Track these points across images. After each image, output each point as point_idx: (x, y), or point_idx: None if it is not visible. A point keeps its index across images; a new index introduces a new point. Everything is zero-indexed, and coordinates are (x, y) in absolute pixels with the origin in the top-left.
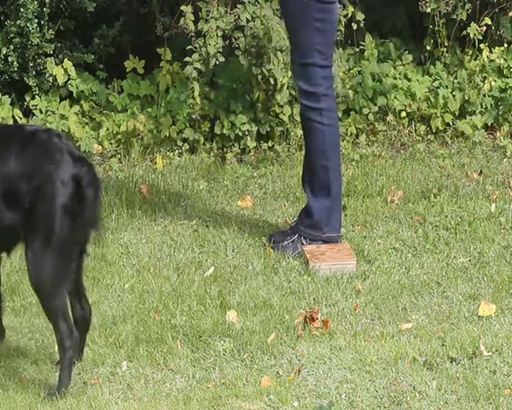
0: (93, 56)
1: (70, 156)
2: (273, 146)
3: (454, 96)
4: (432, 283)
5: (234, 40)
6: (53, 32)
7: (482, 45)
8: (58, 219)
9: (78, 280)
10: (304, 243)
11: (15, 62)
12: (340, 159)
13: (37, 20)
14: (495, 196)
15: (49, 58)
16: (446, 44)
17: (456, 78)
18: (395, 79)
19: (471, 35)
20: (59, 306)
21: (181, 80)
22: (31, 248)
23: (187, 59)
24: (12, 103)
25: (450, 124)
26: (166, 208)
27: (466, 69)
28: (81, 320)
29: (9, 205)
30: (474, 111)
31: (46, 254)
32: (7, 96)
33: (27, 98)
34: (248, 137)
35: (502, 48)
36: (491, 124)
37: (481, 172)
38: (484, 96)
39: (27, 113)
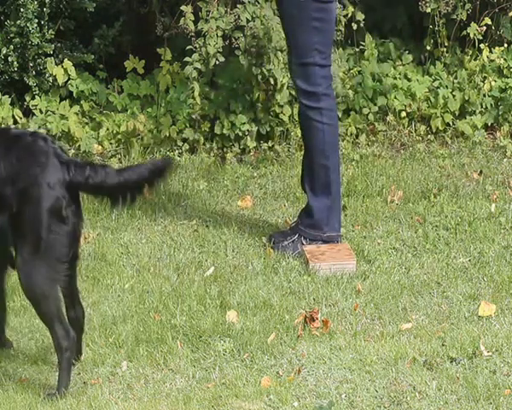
0: (93, 56)
1: (57, 159)
2: (273, 146)
3: (454, 96)
4: (432, 283)
5: (234, 40)
6: (53, 32)
7: (482, 45)
8: (45, 224)
9: (71, 283)
10: (304, 242)
11: (15, 62)
12: (340, 158)
13: (37, 20)
14: (495, 196)
15: (49, 58)
16: (446, 44)
17: (456, 78)
18: (395, 79)
19: (471, 35)
20: (53, 309)
21: (181, 80)
22: (20, 253)
23: (187, 59)
24: (12, 103)
25: (450, 124)
26: (166, 208)
27: (466, 69)
28: (74, 323)
29: None
30: (474, 111)
31: (35, 260)
32: (7, 96)
33: (27, 98)
34: (248, 137)
35: (502, 48)
36: (491, 124)
37: (481, 172)
38: (484, 96)
39: (27, 113)
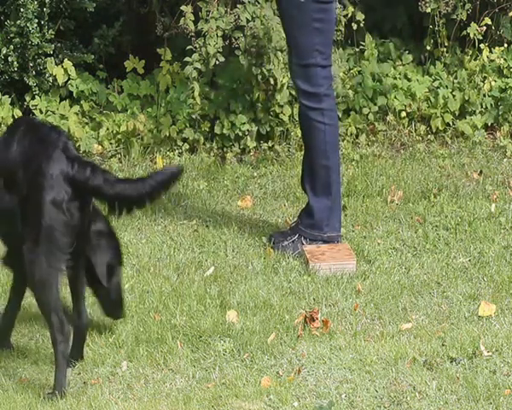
0: (93, 56)
1: (64, 153)
2: (273, 146)
3: (454, 96)
4: (432, 283)
5: (234, 40)
6: (53, 32)
7: (482, 45)
8: (46, 214)
9: (77, 288)
10: (304, 242)
11: (15, 62)
12: (340, 158)
13: (37, 20)
14: (495, 196)
15: (49, 58)
16: (446, 44)
17: (456, 78)
18: (395, 79)
19: (471, 35)
20: (50, 299)
21: (181, 80)
22: (25, 240)
23: (187, 59)
24: (12, 103)
25: (450, 124)
26: (166, 208)
27: (466, 69)
28: (77, 330)
29: (8, 189)
30: (474, 111)
31: (37, 248)
32: (7, 96)
33: (27, 98)
34: (248, 137)
35: (502, 48)
36: (491, 124)
37: (481, 172)
38: (484, 96)
39: (27, 113)
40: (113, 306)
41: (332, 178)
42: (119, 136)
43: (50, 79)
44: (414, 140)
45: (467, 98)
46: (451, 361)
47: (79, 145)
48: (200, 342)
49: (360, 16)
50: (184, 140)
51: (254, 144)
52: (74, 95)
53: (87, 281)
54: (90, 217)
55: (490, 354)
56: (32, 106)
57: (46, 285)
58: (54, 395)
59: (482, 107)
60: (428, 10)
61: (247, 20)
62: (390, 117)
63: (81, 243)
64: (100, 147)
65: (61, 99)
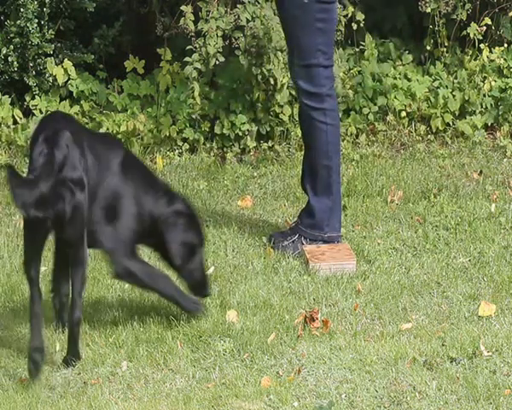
0: (93, 56)
1: (46, 138)
2: (273, 146)
3: (454, 96)
4: (432, 283)
5: (234, 40)
6: (53, 32)
7: (482, 45)
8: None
9: (72, 283)
10: (304, 242)
11: (15, 62)
12: (340, 159)
13: (37, 20)
14: (495, 196)
15: (49, 58)
16: (446, 44)
17: (456, 78)
18: (395, 79)
19: (471, 35)
20: (28, 272)
21: (181, 80)
22: None
23: (187, 59)
24: (12, 103)
25: (450, 124)
26: None
27: (466, 69)
28: (68, 325)
29: None
30: (474, 111)
31: (23, 225)
32: (7, 96)
33: (27, 98)
34: (248, 137)
35: (502, 48)
36: (491, 124)
37: (481, 172)
38: (484, 96)
39: (27, 113)
40: (198, 284)
41: (333, 178)
42: (119, 136)
43: (50, 79)
44: (414, 140)
45: (467, 98)
46: (451, 361)
47: None
48: (200, 342)
49: (360, 16)
50: (184, 140)
51: (254, 144)
52: (74, 95)
53: (168, 262)
54: (77, 205)
55: (490, 354)
56: (32, 106)
57: (25, 258)
58: (31, 364)
59: (482, 107)
60: (428, 10)
61: (247, 20)
62: (390, 117)
63: (69, 235)
64: None
65: (61, 99)
